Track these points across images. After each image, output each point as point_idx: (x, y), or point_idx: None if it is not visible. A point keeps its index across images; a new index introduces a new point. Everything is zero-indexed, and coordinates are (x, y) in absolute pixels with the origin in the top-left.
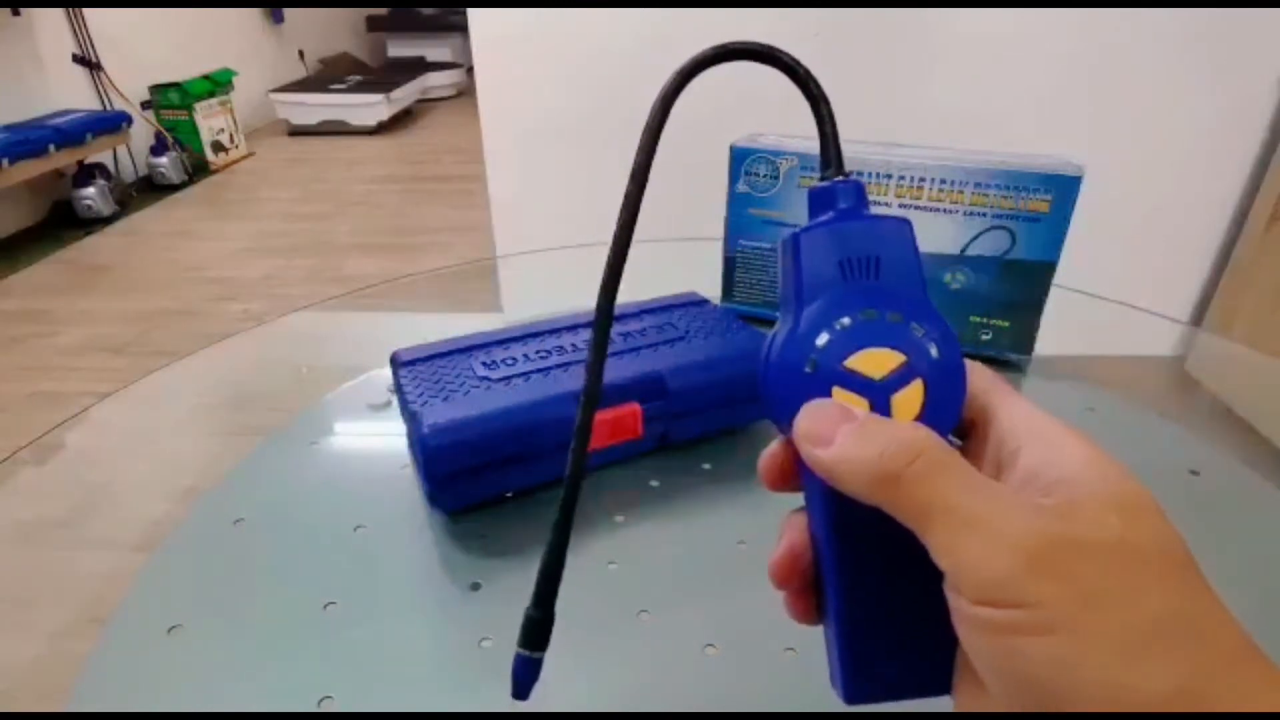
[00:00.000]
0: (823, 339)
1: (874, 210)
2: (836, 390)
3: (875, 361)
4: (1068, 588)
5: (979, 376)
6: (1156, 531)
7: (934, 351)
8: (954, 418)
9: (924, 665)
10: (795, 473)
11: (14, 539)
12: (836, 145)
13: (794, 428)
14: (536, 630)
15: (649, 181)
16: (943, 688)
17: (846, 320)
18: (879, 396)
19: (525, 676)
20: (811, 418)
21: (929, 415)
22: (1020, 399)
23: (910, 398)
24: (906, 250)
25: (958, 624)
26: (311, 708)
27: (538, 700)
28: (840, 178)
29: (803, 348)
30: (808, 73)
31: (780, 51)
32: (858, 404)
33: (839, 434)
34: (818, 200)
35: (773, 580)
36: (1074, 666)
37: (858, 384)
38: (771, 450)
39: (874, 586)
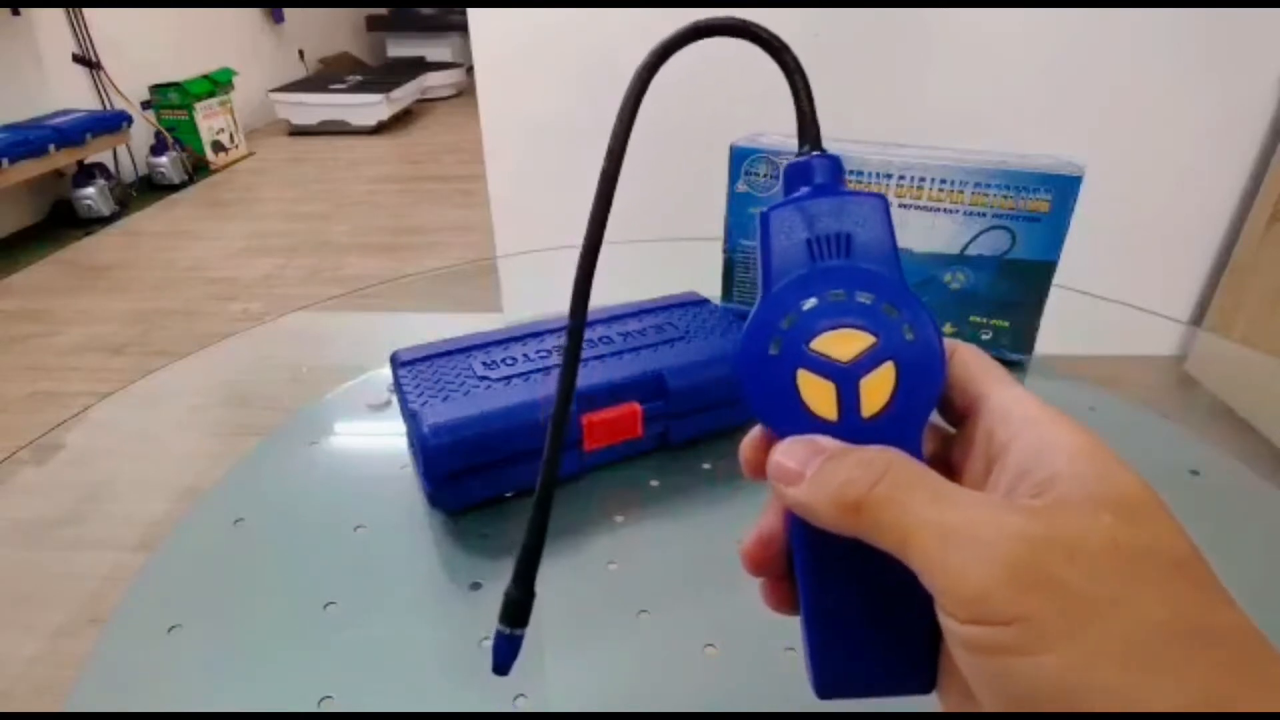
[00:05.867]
0: (788, 320)
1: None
2: (802, 374)
3: (843, 343)
4: (1056, 599)
5: (971, 360)
6: (1156, 529)
7: (907, 333)
8: (929, 403)
9: (900, 662)
10: None
11: (14, 539)
12: (814, 120)
13: (769, 465)
14: (516, 608)
15: (649, 182)
16: (921, 686)
17: (813, 300)
18: (847, 380)
19: (505, 653)
20: (784, 454)
21: (901, 400)
22: (1013, 385)
23: (880, 382)
24: (880, 228)
25: (950, 645)
26: (311, 708)
27: (539, 700)
28: (817, 153)
29: (768, 329)
30: (784, 45)
31: (755, 25)
32: (824, 389)
33: (808, 469)
34: (793, 176)
35: (745, 567)
36: (1074, 686)
37: (824, 367)
38: (751, 437)
39: (847, 581)
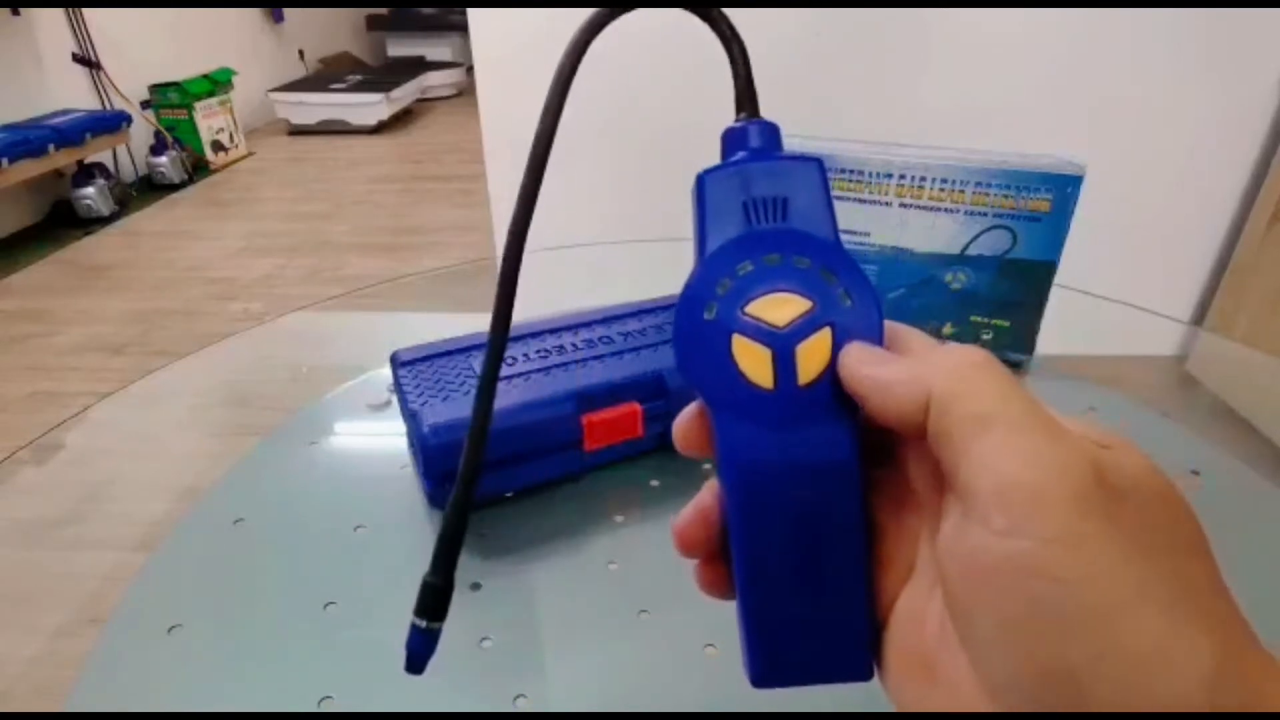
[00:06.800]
0: (724, 284)
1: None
2: (737, 339)
3: (778, 307)
4: (1112, 525)
5: (956, 379)
6: (1185, 504)
7: (844, 299)
8: None
9: (840, 650)
10: (707, 436)
11: (14, 539)
12: (750, 85)
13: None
14: (435, 599)
15: (649, 183)
16: (859, 674)
17: (749, 265)
18: (782, 346)
19: (421, 650)
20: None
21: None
22: (997, 440)
23: (817, 348)
24: (817, 192)
25: (963, 566)
26: (311, 708)
27: (539, 700)
28: (754, 119)
29: (703, 294)
30: (719, 13)
31: None
32: (759, 355)
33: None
34: (730, 142)
35: (676, 545)
36: (1110, 624)
37: (759, 332)
38: (687, 412)
39: (784, 562)
